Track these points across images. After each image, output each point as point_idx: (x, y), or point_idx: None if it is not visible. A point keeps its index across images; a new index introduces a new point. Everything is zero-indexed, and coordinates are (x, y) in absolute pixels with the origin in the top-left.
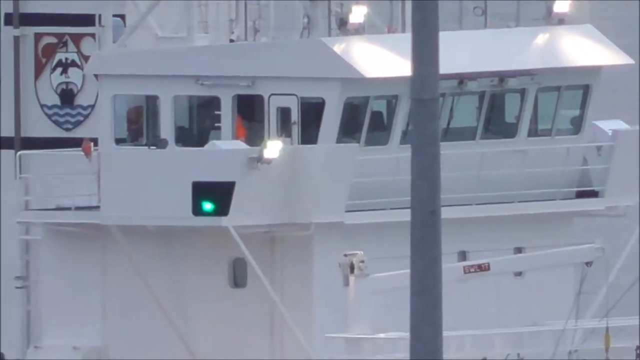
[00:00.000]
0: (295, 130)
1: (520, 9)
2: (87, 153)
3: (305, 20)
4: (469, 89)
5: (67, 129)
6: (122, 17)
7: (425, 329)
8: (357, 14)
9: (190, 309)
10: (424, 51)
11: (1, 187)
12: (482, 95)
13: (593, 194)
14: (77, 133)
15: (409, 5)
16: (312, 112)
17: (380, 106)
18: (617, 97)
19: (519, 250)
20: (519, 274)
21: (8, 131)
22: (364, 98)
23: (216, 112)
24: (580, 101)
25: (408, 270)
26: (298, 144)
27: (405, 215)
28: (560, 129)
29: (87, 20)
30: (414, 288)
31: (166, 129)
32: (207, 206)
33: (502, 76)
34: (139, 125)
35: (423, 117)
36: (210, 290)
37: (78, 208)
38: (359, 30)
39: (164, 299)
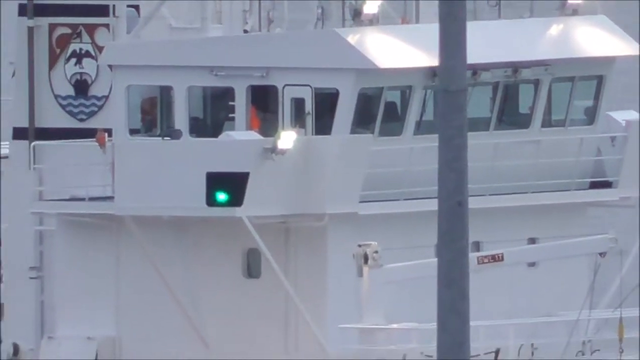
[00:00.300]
0: (309, 120)
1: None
2: (101, 144)
3: (319, 10)
4: (482, 79)
5: (81, 120)
6: (136, 7)
7: (453, 320)
8: (371, 5)
9: (203, 299)
10: (451, 43)
11: (15, 178)
12: (495, 86)
13: (607, 184)
14: (91, 124)
15: None
16: (326, 102)
17: (394, 97)
18: (631, 87)
19: (532, 240)
20: (532, 264)
21: (22, 122)
22: (378, 89)
23: (230, 103)
24: (594, 92)
25: (422, 261)
26: (312, 134)
27: (420, 206)
28: (574, 120)
29: (101, 10)
30: (441, 279)
31: (180, 120)
32: (221, 197)
33: (515, 67)
34: (153, 115)
35: (450, 108)
36: (224, 280)
37: (92, 199)
38: (373, 21)
39: (177, 290)
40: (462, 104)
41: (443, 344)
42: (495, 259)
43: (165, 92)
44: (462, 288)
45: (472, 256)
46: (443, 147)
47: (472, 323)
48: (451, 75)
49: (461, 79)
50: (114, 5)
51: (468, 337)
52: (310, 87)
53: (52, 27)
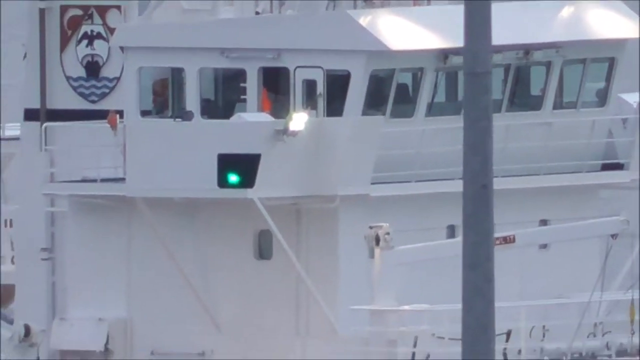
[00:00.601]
0: (321, 102)
1: None
2: (113, 125)
3: None
4: (494, 61)
5: (93, 101)
6: None
7: (478, 302)
8: None
9: (215, 281)
10: (477, 25)
11: (26, 160)
12: (507, 68)
13: (618, 166)
14: (102, 105)
15: None
16: (338, 84)
17: (406, 79)
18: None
19: (544, 222)
20: (544, 246)
21: (33, 103)
22: (390, 70)
23: (242, 85)
24: (605, 74)
25: (434, 243)
26: (323, 116)
27: (431, 188)
28: (585, 102)
29: None
30: (466, 261)
31: (192, 102)
32: (233, 178)
33: (527, 49)
34: (165, 97)
35: (476, 90)
36: (236, 262)
37: (103, 180)
38: (385, 3)
39: (189, 271)
40: (488, 86)
41: (468, 326)
42: (507, 240)
43: (177, 74)
44: (487, 270)
45: None
46: (468, 129)
47: None
48: (476, 57)
49: (486, 61)
50: None
51: (493, 319)
52: (322, 69)
53: (64, 9)
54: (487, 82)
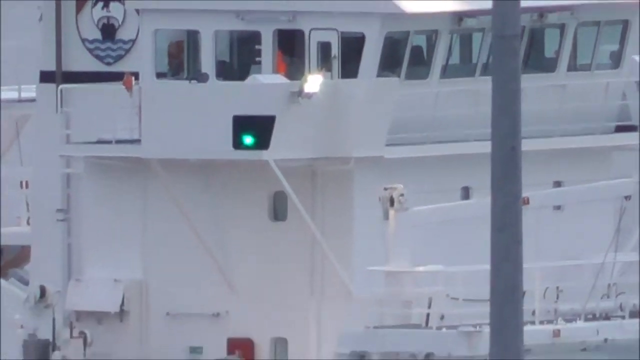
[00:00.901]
0: (336, 64)
1: None
2: (128, 87)
3: None
4: None
5: (108, 63)
6: None
7: (506, 265)
8: None
9: (230, 242)
10: None
11: (42, 121)
12: (521, 31)
13: (632, 128)
14: (118, 67)
15: None
16: (353, 46)
17: (420, 41)
18: None
19: (558, 184)
20: (558, 207)
21: (49, 65)
22: (404, 33)
23: (257, 47)
24: (619, 36)
25: (448, 204)
26: (338, 78)
27: (445, 150)
28: (599, 64)
29: None
30: (494, 224)
31: (207, 64)
32: (248, 140)
33: (541, 11)
34: (180, 59)
35: (504, 53)
36: (251, 223)
37: (119, 141)
38: None
39: (204, 233)
40: (516, 48)
41: (496, 288)
42: (522, 202)
43: (192, 36)
44: (515, 232)
45: None
46: (497, 92)
47: None
48: (505, 20)
49: (515, 24)
50: None
51: (521, 281)
52: (337, 31)
53: None
54: (515, 44)
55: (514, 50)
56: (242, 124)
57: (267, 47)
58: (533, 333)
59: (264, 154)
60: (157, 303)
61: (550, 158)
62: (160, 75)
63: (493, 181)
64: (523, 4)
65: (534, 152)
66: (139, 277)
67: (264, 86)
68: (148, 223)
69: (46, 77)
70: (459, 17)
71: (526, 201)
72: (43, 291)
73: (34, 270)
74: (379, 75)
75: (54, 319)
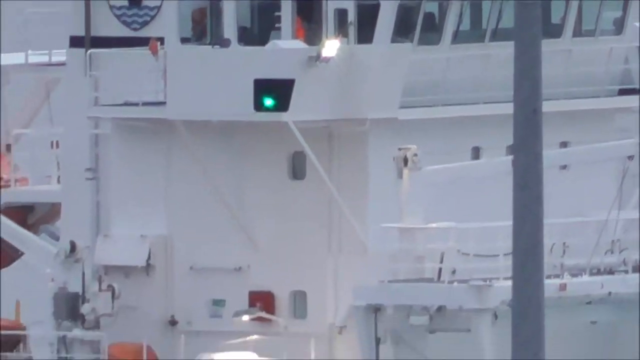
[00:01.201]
0: (352, 30)
1: None
2: (154, 52)
3: None
4: None
5: (135, 29)
6: None
7: (527, 223)
8: None
9: (251, 200)
10: None
11: (72, 84)
12: None
13: (634, 91)
14: (144, 32)
15: None
16: (368, 13)
17: (433, 8)
18: None
19: (564, 144)
20: (564, 167)
21: (79, 30)
22: (417, 1)
23: (277, 14)
24: (622, 3)
25: (460, 164)
26: (354, 43)
27: (456, 112)
28: (603, 30)
29: None
30: (516, 182)
31: (229, 29)
32: (268, 102)
33: None
34: (203, 25)
35: (526, 20)
36: (270, 182)
37: (145, 104)
38: None
39: (226, 191)
40: (537, 15)
41: (518, 246)
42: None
43: (215, 3)
44: (536, 192)
45: (507, 159)
46: (519, 57)
47: (506, 222)
48: None
49: None
50: None
51: (542, 237)
52: None
53: None
54: (537, 12)
55: (535, 18)
56: (262, 87)
57: (287, 14)
58: None
59: (283, 116)
60: (182, 258)
61: (557, 120)
62: (184, 40)
63: (515, 142)
64: None
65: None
66: (164, 233)
67: (284, 51)
68: (172, 181)
69: (76, 42)
70: None
71: None
72: (73, 246)
73: (64, 226)
74: (392, 41)
75: (83, 273)
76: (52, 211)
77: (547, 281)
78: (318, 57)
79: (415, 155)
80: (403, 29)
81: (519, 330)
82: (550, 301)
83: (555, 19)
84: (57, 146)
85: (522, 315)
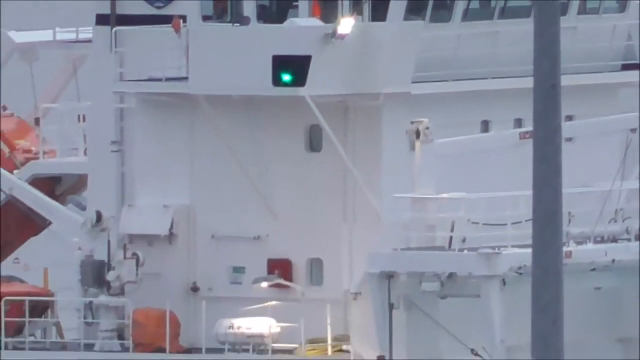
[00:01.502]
0: (367, 8)
1: None
2: (177, 29)
3: None
4: None
5: (159, 7)
6: None
7: (546, 192)
8: None
9: (269, 171)
10: None
11: (98, 61)
12: None
13: (637, 66)
14: (167, 10)
15: None
16: None
17: None
18: None
19: (569, 118)
20: (569, 139)
21: (105, 9)
22: None
23: None
24: None
25: (470, 136)
26: (369, 21)
27: (466, 86)
28: (607, 7)
29: None
30: (536, 155)
31: (248, 7)
32: (286, 77)
33: None
34: (224, 4)
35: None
36: (288, 154)
37: (168, 79)
38: None
39: (245, 162)
40: None
41: (538, 214)
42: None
43: None
44: (555, 163)
45: (515, 132)
46: (538, 35)
47: (514, 193)
48: None
49: None
50: None
51: (560, 208)
52: None
53: None
54: None
55: None
56: (280, 63)
57: None
58: None
59: (300, 90)
60: (203, 227)
61: (563, 94)
62: (205, 18)
63: (535, 115)
64: None
65: None
66: (187, 203)
67: (301, 28)
68: (194, 154)
69: (101, 19)
70: None
71: None
72: (99, 216)
73: (91, 196)
74: (405, 19)
75: (109, 242)
76: (79, 182)
77: None
78: (334, 34)
79: (427, 128)
80: (415, 8)
81: (539, 296)
82: None
83: None
84: (84, 120)
85: (542, 282)
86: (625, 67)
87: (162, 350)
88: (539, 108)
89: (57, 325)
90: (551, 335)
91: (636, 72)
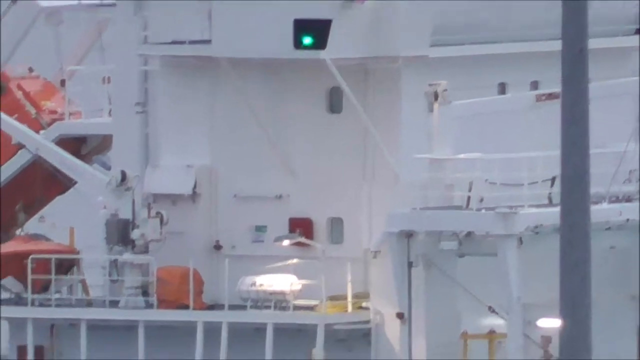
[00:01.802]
0: None
1: None
2: None
3: None
4: None
5: None
6: None
7: (574, 154)
8: None
9: (291, 132)
10: None
11: (122, 24)
12: None
13: None
14: None
15: None
16: None
17: None
18: None
19: None
20: None
21: None
22: None
23: None
24: None
25: (486, 98)
26: None
27: (484, 50)
28: None
29: None
30: (564, 118)
31: None
32: (307, 40)
33: None
34: None
35: None
36: (309, 115)
37: (192, 42)
38: None
39: (267, 123)
40: None
41: (566, 175)
42: (552, 96)
43: None
44: (583, 125)
45: (531, 94)
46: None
47: (531, 154)
48: None
49: None
50: None
51: (588, 169)
52: None
53: None
54: None
55: None
56: (302, 27)
57: None
58: None
59: (321, 53)
60: (226, 186)
61: None
62: None
63: (563, 80)
64: None
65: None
66: (209, 164)
67: None
68: (217, 115)
69: None
70: None
71: (557, 95)
72: (124, 175)
73: (115, 157)
74: None
75: (133, 201)
76: (104, 143)
77: None
78: None
79: (445, 90)
80: None
81: (567, 255)
82: None
83: None
84: (109, 82)
85: (570, 241)
86: (639, 31)
87: (185, 306)
88: (566, 72)
89: (83, 282)
90: (580, 294)
91: None
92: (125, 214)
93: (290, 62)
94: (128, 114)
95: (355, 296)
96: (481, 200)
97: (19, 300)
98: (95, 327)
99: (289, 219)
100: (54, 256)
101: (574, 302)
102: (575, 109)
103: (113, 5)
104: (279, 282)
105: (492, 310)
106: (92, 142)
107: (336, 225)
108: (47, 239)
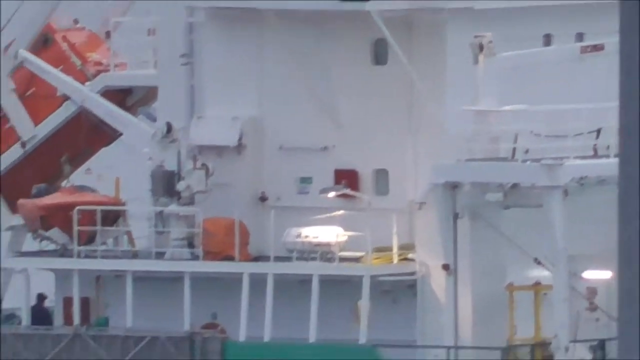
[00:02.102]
0: None
1: None
2: None
3: None
4: None
5: None
6: None
7: (632, 105)
8: None
9: (336, 83)
10: None
11: None
12: None
13: None
14: None
15: None
16: None
17: None
18: None
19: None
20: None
21: None
22: None
23: None
24: None
25: (531, 50)
26: None
27: (528, 1)
28: None
29: None
30: (622, 68)
31: None
32: None
33: None
34: None
35: None
36: (355, 67)
37: None
38: None
39: (313, 75)
40: None
41: (625, 126)
42: (597, 48)
43: None
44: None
45: (576, 46)
46: None
47: (576, 105)
48: None
49: None
50: None
51: None
52: None
53: None
54: None
55: None
56: None
57: None
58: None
59: (367, 5)
60: (271, 138)
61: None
62: None
63: (621, 29)
64: None
65: (608, 4)
66: (255, 115)
67: None
68: (262, 67)
69: None
70: None
71: (601, 47)
72: (169, 127)
73: (161, 108)
74: None
75: (179, 152)
76: (149, 94)
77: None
78: None
79: (490, 42)
80: None
81: (625, 206)
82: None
83: None
84: (154, 34)
85: (627, 192)
86: None
87: (231, 258)
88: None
89: (128, 234)
90: (637, 245)
91: None
92: (170, 165)
93: (336, 13)
94: (173, 65)
95: (401, 247)
96: (526, 151)
97: (64, 252)
98: (140, 278)
99: (334, 170)
100: (99, 208)
101: (631, 254)
102: (632, 60)
103: None
104: (324, 233)
105: (537, 261)
106: (137, 94)
107: (381, 177)
108: (93, 191)
